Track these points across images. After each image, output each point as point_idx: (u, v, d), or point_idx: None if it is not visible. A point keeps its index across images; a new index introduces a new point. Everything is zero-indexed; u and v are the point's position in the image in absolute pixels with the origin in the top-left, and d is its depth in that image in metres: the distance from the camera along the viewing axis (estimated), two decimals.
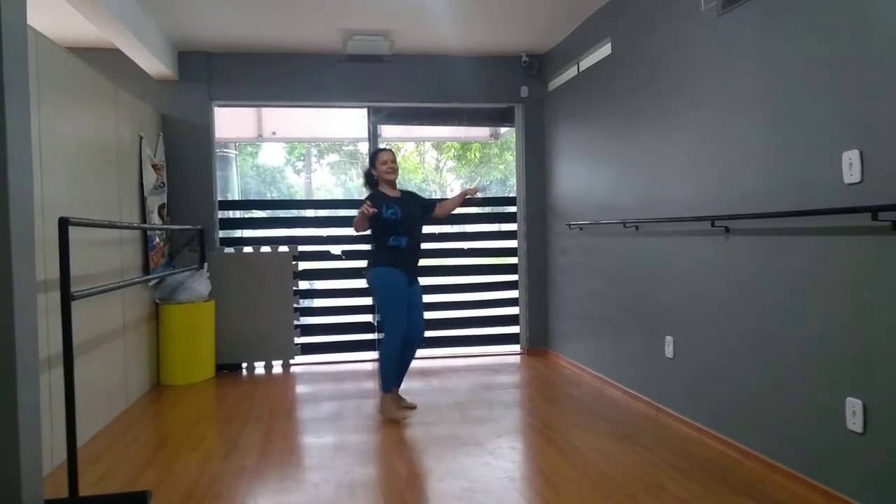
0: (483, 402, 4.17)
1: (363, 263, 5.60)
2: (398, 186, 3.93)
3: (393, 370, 3.75)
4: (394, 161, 3.86)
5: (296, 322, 5.43)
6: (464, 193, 4.02)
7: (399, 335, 3.69)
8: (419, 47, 5.36)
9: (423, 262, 5.66)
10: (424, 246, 5.64)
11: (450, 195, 11.69)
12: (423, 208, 3.97)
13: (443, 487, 2.77)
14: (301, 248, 5.52)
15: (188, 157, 5.26)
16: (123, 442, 3.46)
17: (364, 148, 6.25)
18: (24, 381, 1.97)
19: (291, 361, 5.44)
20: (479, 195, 4.14)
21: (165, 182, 5.02)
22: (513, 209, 5.89)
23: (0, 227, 1.89)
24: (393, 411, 3.75)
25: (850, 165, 2.37)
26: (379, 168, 3.83)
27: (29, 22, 2.18)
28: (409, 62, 5.53)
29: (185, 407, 4.18)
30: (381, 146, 4.03)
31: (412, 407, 3.89)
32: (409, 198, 3.95)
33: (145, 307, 4.66)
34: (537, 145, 5.73)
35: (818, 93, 2.54)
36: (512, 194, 6.01)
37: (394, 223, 3.71)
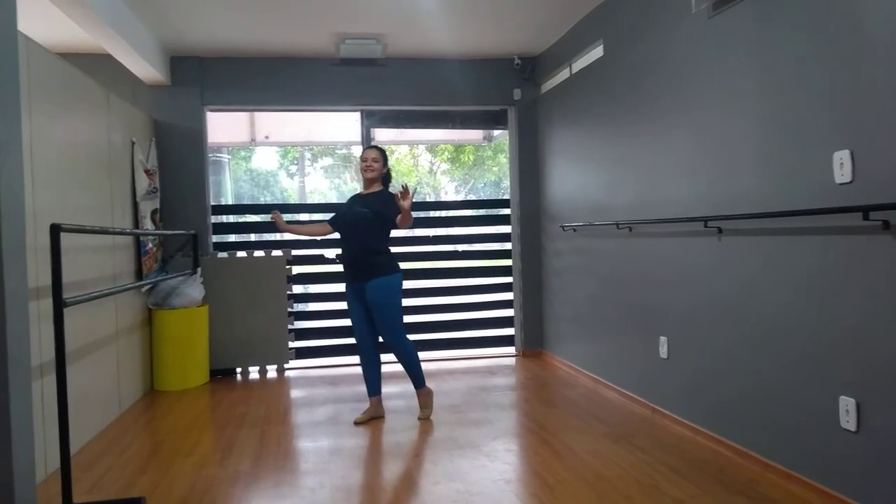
0: (479, 404, 4.17)
1: None
2: (388, 189, 3.91)
3: (364, 377, 3.88)
4: (375, 160, 3.75)
5: (290, 326, 5.42)
6: (400, 199, 3.50)
7: (357, 344, 3.88)
8: (412, 50, 5.36)
9: (418, 264, 5.72)
10: (418, 249, 5.75)
11: (444, 198, 11.75)
12: (385, 210, 3.65)
13: (439, 490, 2.76)
14: (295, 252, 5.51)
15: (181, 162, 5.25)
16: (117, 449, 3.44)
17: (358, 151, 6.25)
18: (17, 389, 1.96)
19: (286, 366, 5.43)
20: (410, 193, 3.52)
21: (158, 187, 5.01)
22: (506, 211, 5.90)
23: None
24: (358, 415, 3.88)
25: (842, 165, 2.38)
26: (361, 165, 3.84)
27: (19, 28, 2.17)
28: (401, 65, 5.54)
29: (180, 413, 4.16)
30: (369, 144, 3.99)
31: (423, 418, 3.84)
32: (376, 197, 3.73)
33: (138, 313, 4.64)
34: (530, 147, 5.74)
35: (809, 93, 2.56)
36: (506, 197, 6.02)
37: (338, 222, 3.85)
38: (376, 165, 3.77)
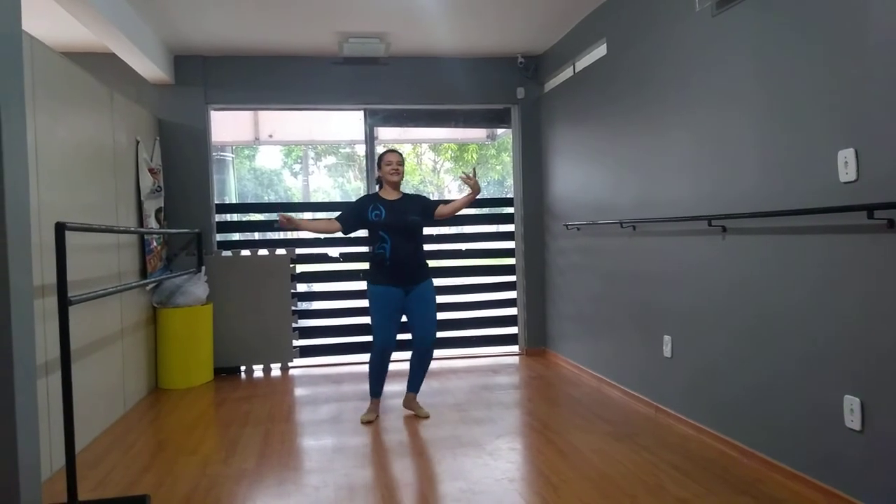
0: (482, 403, 4.17)
1: (361, 266, 5.62)
2: (406, 190, 3.95)
3: (375, 378, 3.85)
4: (399, 163, 3.81)
5: (294, 325, 5.43)
6: (472, 188, 3.74)
7: (377, 346, 3.78)
8: (415, 49, 5.36)
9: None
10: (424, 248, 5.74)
11: (448, 196, 11.72)
12: (424, 211, 3.85)
13: (442, 489, 2.77)
14: (299, 250, 5.52)
15: (185, 161, 5.26)
16: (122, 446, 3.46)
17: (361, 150, 6.26)
18: (22, 387, 1.97)
19: (290, 364, 5.44)
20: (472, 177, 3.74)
21: (162, 186, 5.02)
22: (510, 210, 5.90)
23: None
24: (363, 415, 3.85)
25: (846, 164, 2.38)
26: (383, 169, 3.83)
27: (24, 27, 2.18)
28: (405, 64, 5.54)
29: (184, 411, 4.18)
30: (390, 147, 4.00)
31: (423, 416, 3.86)
32: (409, 201, 3.85)
33: (143, 311, 4.65)
34: (534, 146, 5.74)
35: (813, 91, 2.55)
36: (509, 195, 6.01)
37: (376, 225, 3.75)
38: (401, 168, 3.83)
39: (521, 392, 4.46)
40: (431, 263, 5.74)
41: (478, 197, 3.85)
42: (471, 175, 3.72)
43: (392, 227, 3.73)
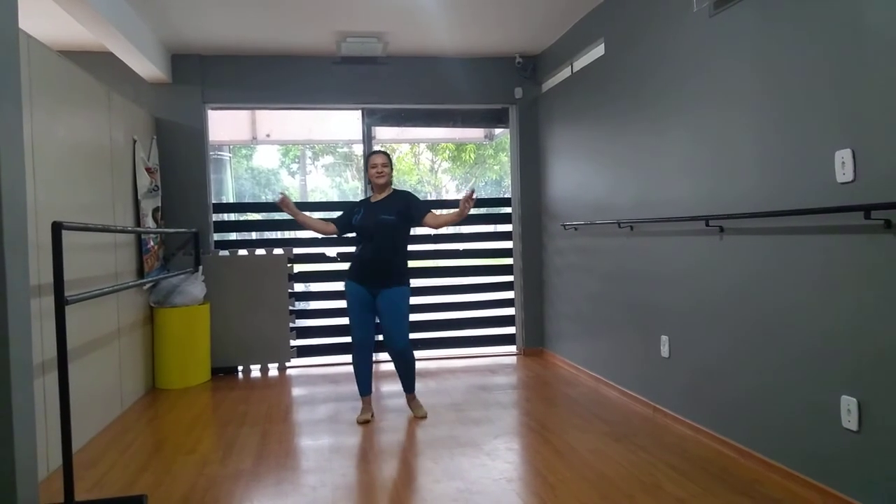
0: (480, 403, 4.17)
1: None
2: (399, 188, 3.93)
3: (358, 376, 3.85)
4: (384, 165, 3.75)
5: (291, 324, 5.42)
6: (464, 206, 3.45)
7: (353, 344, 3.81)
8: (413, 49, 5.36)
9: (418, 263, 5.71)
10: (419, 248, 5.75)
11: (445, 196, 11.72)
12: (408, 211, 3.70)
13: (440, 489, 2.77)
14: (296, 250, 5.51)
15: (182, 160, 5.25)
16: (119, 446, 3.45)
17: (359, 150, 6.25)
18: (19, 386, 1.96)
19: (287, 364, 5.44)
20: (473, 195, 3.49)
21: (159, 185, 5.01)
22: (508, 210, 5.90)
23: None
24: (358, 415, 3.85)
25: (843, 164, 2.38)
26: (369, 171, 3.81)
27: (21, 26, 2.17)
28: (402, 64, 5.53)
29: (181, 410, 4.17)
30: (375, 149, 3.95)
31: (421, 416, 3.86)
32: (391, 200, 3.75)
33: (140, 311, 4.65)
34: (532, 146, 5.74)
35: (811, 92, 2.55)
36: (507, 195, 6.01)
37: (355, 227, 3.78)
38: (386, 171, 3.77)
39: (519, 392, 4.46)
40: (428, 263, 5.80)
41: (475, 197, 3.70)
42: (470, 197, 3.44)
43: (363, 228, 3.72)
